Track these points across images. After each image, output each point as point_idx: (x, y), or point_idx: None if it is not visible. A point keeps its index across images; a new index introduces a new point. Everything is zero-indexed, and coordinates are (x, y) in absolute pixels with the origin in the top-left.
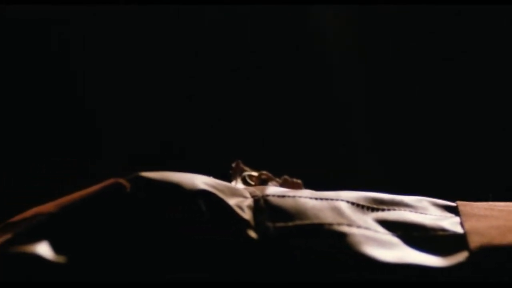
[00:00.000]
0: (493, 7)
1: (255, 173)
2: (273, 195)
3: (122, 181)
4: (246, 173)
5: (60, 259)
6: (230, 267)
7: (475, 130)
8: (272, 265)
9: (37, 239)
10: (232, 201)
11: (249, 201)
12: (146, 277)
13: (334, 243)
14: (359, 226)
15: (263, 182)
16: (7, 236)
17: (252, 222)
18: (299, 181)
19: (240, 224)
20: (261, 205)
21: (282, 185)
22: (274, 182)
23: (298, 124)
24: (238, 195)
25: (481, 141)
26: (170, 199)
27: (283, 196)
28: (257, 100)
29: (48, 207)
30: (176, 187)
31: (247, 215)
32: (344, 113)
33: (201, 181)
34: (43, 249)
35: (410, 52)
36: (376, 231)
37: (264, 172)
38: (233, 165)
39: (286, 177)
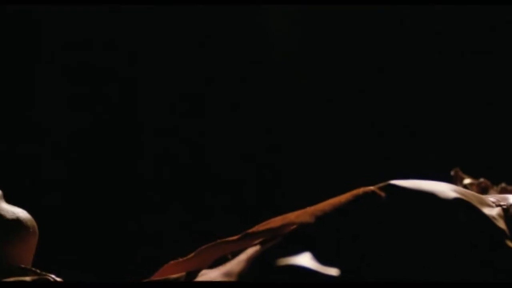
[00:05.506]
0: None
1: (474, 181)
2: None
3: (375, 189)
4: (466, 181)
5: (325, 270)
6: (487, 276)
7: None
8: None
9: (297, 249)
10: (484, 210)
11: (497, 210)
12: (394, 278)
13: None
14: None
15: (483, 190)
16: (257, 247)
17: (507, 231)
18: None
19: (498, 234)
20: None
21: (500, 192)
22: (492, 190)
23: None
24: (485, 203)
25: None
26: (426, 207)
27: None
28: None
29: (297, 216)
30: (431, 196)
31: (501, 224)
32: None
33: (451, 188)
34: (307, 259)
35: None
36: None
37: (483, 179)
38: (452, 173)
39: (504, 184)
